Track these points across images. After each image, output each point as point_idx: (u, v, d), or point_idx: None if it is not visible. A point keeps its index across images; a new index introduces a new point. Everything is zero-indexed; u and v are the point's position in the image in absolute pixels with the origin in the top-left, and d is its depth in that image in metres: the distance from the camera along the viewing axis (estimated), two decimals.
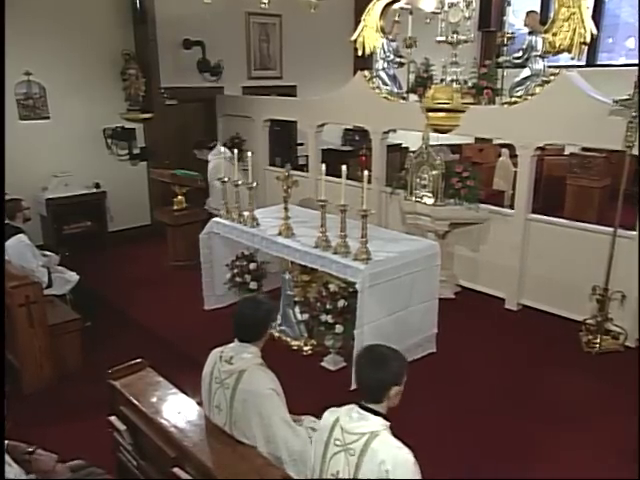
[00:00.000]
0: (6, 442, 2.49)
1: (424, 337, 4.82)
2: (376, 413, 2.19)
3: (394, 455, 2.08)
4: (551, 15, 5.49)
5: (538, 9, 9.55)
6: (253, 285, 5.39)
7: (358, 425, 2.16)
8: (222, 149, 7.28)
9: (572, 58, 5.40)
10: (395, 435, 2.18)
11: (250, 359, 2.67)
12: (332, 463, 2.19)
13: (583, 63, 9.26)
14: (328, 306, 4.51)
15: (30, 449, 2.63)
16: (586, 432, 3.94)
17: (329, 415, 2.29)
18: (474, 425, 4.01)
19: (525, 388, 4.49)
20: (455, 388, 4.47)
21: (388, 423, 2.19)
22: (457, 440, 3.86)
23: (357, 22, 7.12)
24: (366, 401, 2.21)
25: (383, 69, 6.88)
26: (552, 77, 5.38)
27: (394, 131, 7.17)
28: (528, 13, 5.74)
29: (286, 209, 4.87)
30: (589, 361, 4.87)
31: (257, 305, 2.78)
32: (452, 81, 5.76)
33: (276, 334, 5.09)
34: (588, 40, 5.18)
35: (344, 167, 4.24)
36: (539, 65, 5.61)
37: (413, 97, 6.82)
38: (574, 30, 5.18)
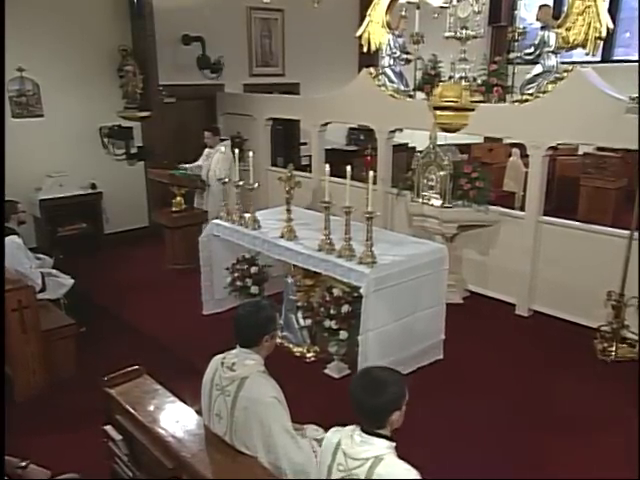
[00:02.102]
0: None
1: (431, 344, 4.77)
2: (379, 435, 2.10)
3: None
4: (565, 9, 5.44)
5: (551, 2, 9.43)
6: (254, 289, 5.33)
7: (361, 450, 2.07)
8: (229, 144, 7.21)
9: (587, 54, 5.28)
10: (400, 455, 2.09)
11: (252, 366, 2.62)
12: None
13: (598, 59, 9.10)
14: (332, 311, 4.44)
15: (23, 463, 2.64)
16: (601, 441, 3.85)
17: (331, 436, 2.22)
18: (482, 434, 3.92)
19: (537, 397, 4.41)
20: (463, 396, 4.41)
21: (393, 444, 2.11)
22: (464, 450, 3.78)
23: (362, 17, 7.06)
24: (367, 427, 2.12)
25: (389, 66, 6.81)
26: (565, 74, 5.29)
27: (400, 130, 7.09)
28: (540, 7, 5.68)
29: (288, 211, 4.85)
30: (604, 370, 4.77)
31: (257, 309, 2.73)
32: (461, 78, 5.67)
33: (278, 340, 4.97)
34: (604, 35, 5.06)
35: (348, 167, 4.28)
36: (552, 61, 5.54)
37: (420, 95, 6.76)
38: (589, 24, 5.07)
